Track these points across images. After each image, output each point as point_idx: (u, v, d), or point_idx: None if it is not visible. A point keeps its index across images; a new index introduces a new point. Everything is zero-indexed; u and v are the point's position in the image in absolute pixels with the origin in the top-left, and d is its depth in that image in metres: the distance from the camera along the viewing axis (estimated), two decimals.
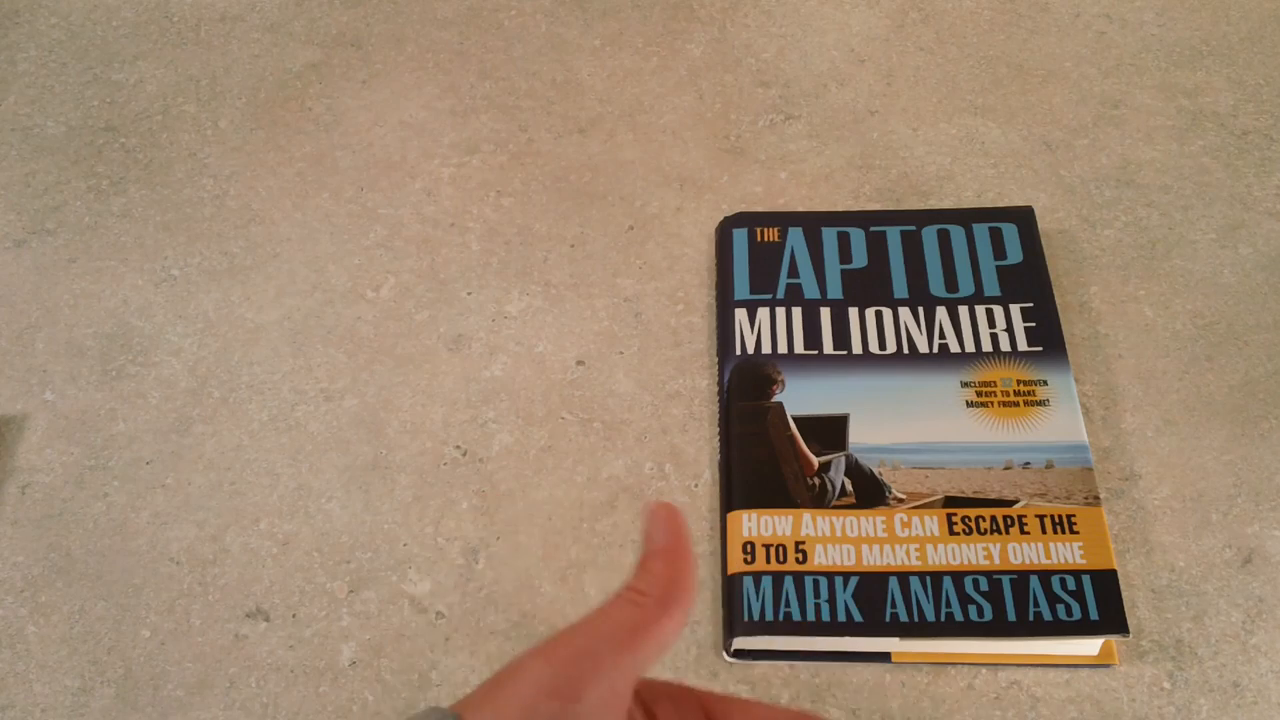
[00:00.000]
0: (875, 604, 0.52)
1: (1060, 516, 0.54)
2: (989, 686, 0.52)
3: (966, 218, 0.66)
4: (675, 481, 0.59)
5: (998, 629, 0.51)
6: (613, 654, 0.32)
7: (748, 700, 0.36)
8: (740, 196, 0.70)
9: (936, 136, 0.73)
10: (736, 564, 0.54)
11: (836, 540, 0.54)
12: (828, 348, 0.61)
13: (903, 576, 0.53)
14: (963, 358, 0.60)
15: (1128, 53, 0.77)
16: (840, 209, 0.69)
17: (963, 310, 0.62)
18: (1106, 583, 0.52)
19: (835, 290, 0.63)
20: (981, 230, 0.65)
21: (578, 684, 0.31)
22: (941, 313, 0.62)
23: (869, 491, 0.56)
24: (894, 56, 0.78)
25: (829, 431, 0.58)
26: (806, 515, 0.55)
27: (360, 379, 0.64)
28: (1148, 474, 0.58)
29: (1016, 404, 0.58)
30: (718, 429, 0.60)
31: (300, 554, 0.58)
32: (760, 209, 0.69)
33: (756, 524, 0.55)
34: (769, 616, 0.52)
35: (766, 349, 0.61)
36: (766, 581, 0.53)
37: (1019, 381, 0.59)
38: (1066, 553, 0.53)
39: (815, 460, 0.57)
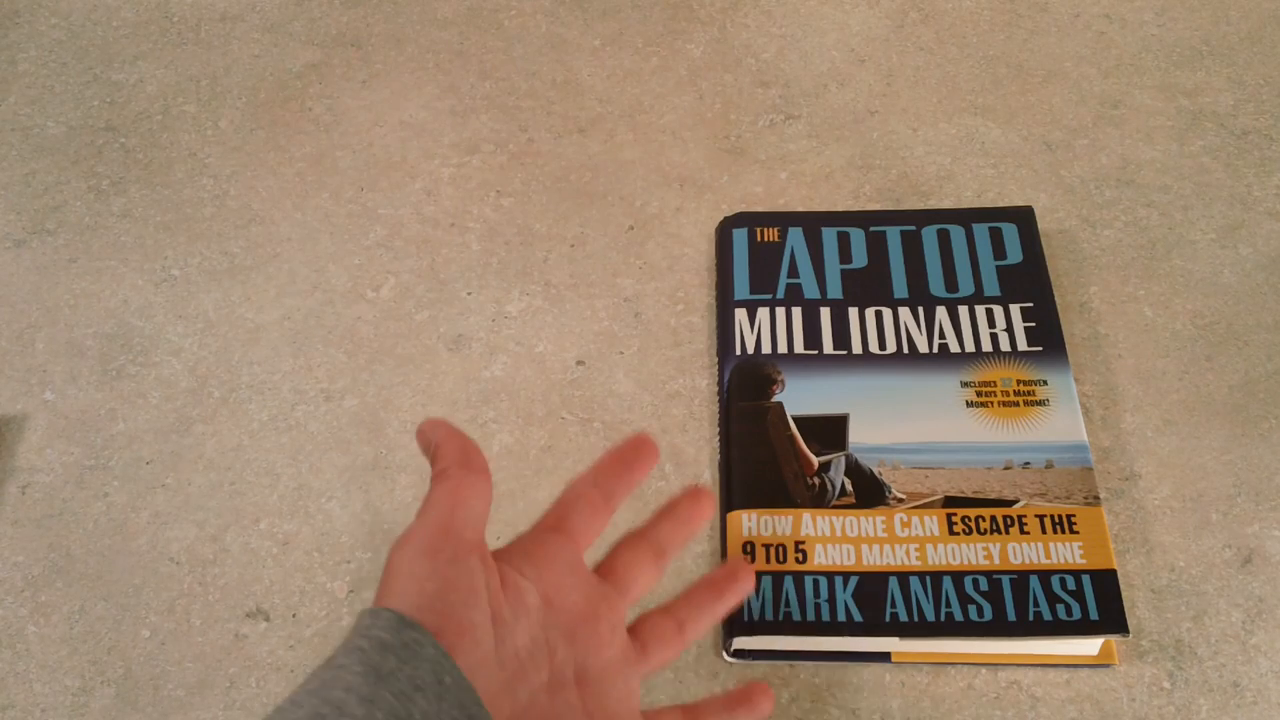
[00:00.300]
0: (875, 604, 0.52)
1: (1060, 516, 0.54)
2: (989, 686, 0.52)
3: (966, 218, 0.66)
4: (675, 481, 0.59)
5: (998, 629, 0.51)
6: (448, 515, 0.41)
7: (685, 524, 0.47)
8: (740, 196, 0.70)
9: (936, 136, 0.73)
10: None
11: (836, 540, 0.54)
12: (828, 348, 0.61)
13: (903, 576, 0.53)
14: (963, 358, 0.60)
15: (1128, 53, 0.77)
16: (840, 209, 0.69)
17: (963, 310, 0.62)
18: (1106, 582, 0.52)
19: (835, 290, 0.63)
20: (981, 230, 0.65)
21: (437, 549, 0.40)
22: (941, 313, 0.62)
23: (869, 491, 0.56)
24: (894, 56, 0.78)
25: (829, 431, 0.58)
26: (806, 515, 0.55)
27: (360, 379, 0.64)
28: (1148, 474, 0.58)
29: (1016, 404, 0.58)
30: (718, 429, 0.60)
31: (300, 554, 0.58)
32: (760, 209, 0.69)
33: (756, 524, 0.55)
34: (769, 616, 0.52)
35: (766, 349, 0.61)
36: (766, 581, 0.53)
37: (1019, 381, 0.59)
38: (1066, 553, 0.53)
39: (815, 460, 0.57)
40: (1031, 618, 0.51)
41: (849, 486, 0.56)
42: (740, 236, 0.66)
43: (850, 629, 0.52)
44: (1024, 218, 0.66)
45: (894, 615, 0.52)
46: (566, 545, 0.44)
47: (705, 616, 0.46)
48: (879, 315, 0.62)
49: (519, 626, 0.40)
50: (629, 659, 0.43)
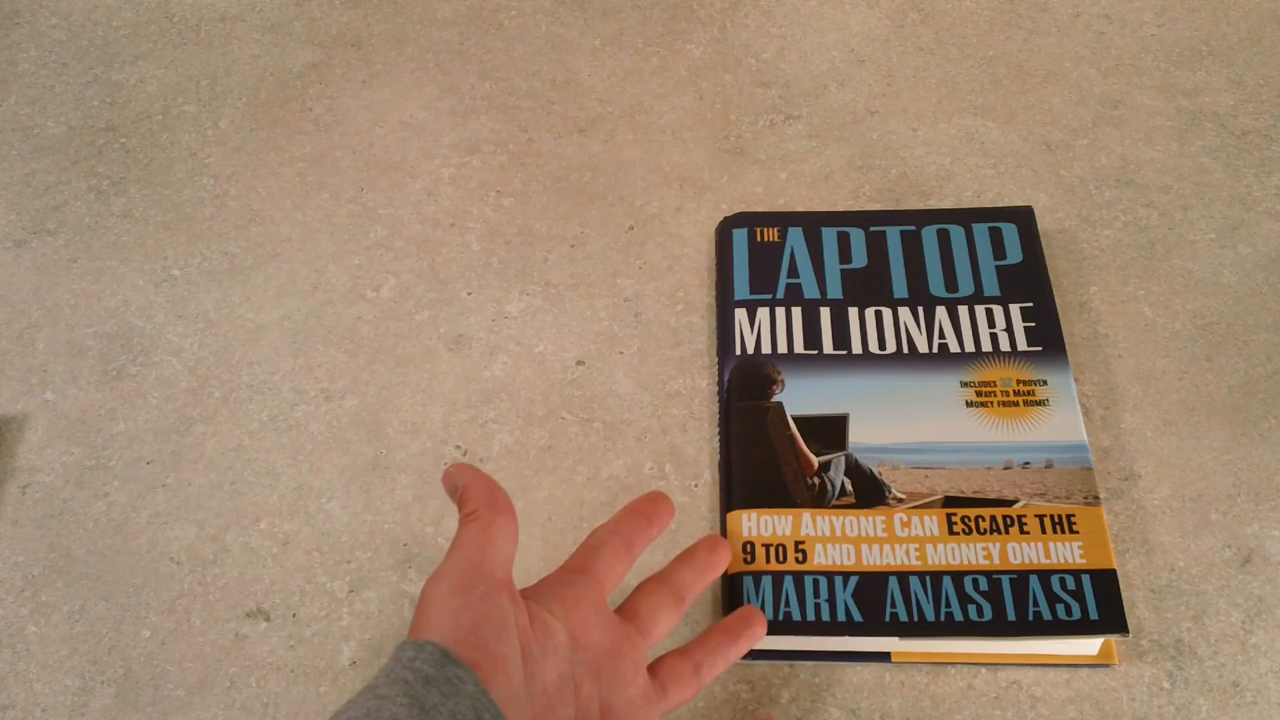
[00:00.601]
0: (875, 604, 0.52)
1: (1060, 516, 0.54)
2: (989, 686, 0.52)
3: (966, 218, 0.66)
4: (675, 481, 0.59)
5: (997, 629, 0.51)
6: (479, 554, 0.42)
7: (694, 558, 0.50)
8: (740, 196, 0.70)
9: (936, 136, 0.73)
10: (736, 564, 0.54)
11: (836, 540, 0.54)
12: (828, 348, 0.61)
13: (902, 576, 0.53)
14: (962, 357, 0.60)
15: (1128, 53, 0.77)
16: (840, 209, 0.69)
17: (962, 310, 0.62)
18: (1106, 582, 0.52)
19: (835, 290, 0.63)
20: (981, 230, 0.65)
21: (470, 586, 0.41)
22: (941, 313, 0.62)
23: (869, 491, 0.56)
24: (894, 56, 0.78)
25: (829, 431, 0.58)
26: (806, 515, 0.55)
27: (360, 379, 0.64)
28: (1147, 474, 0.58)
29: (1016, 404, 0.58)
30: (718, 429, 0.60)
31: (300, 554, 0.58)
32: (760, 209, 0.69)
33: (756, 524, 0.55)
34: (769, 616, 0.52)
35: (766, 349, 0.61)
36: (766, 581, 0.53)
37: (1019, 381, 0.59)
38: (1066, 552, 0.53)
39: (815, 460, 0.57)
40: (1031, 618, 0.51)
41: (849, 486, 0.56)
42: (740, 236, 0.66)
43: (850, 629, 0.52)
44: (1024, 218, 0.66)
45: (894, 615, 0.52)
46: (591, 586, 0.46)
47: (720, 659, 0.49)
48: (879, 315, 0.62)
49: (547, 663, 0.42)
50: (650, 698, 0.45)
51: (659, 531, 0.50)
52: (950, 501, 0.55)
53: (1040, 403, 0.58)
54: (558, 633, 0.43)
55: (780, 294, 0.63)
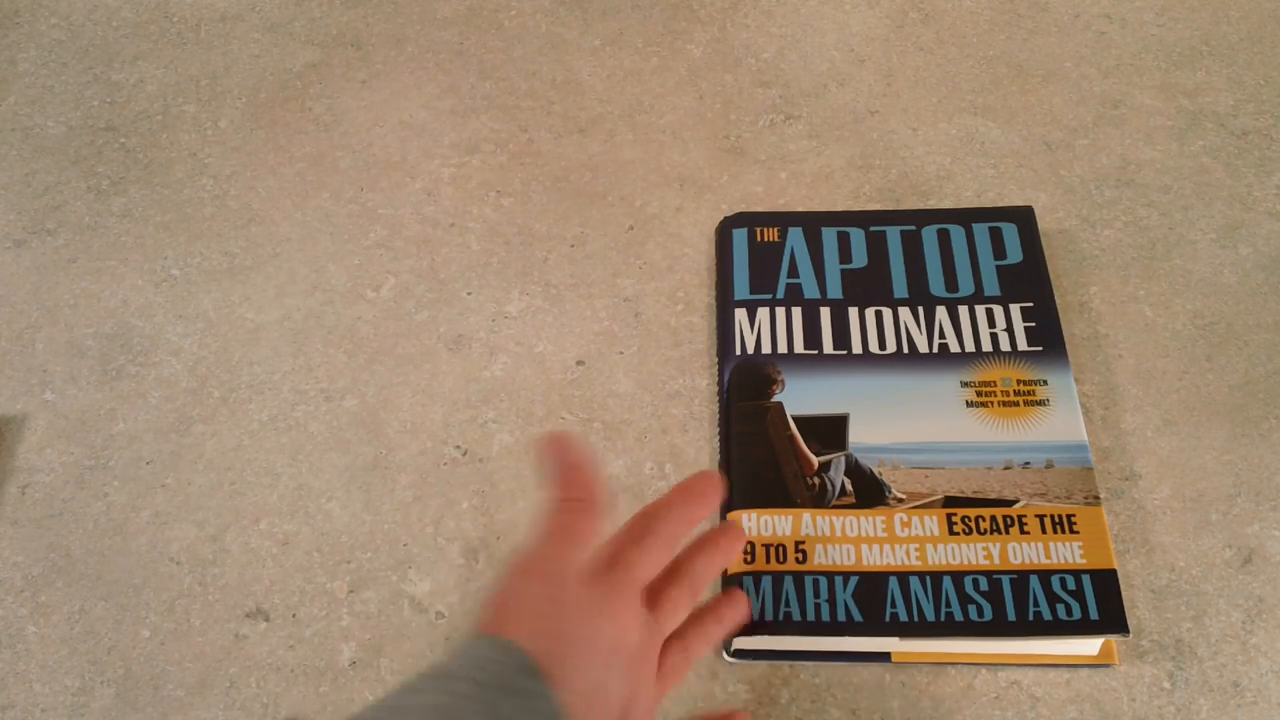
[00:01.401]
0: (875, 604, 0.52)
1: (1060, 516, 0.54)
2: (989, 686, 0.52)
3: (966, 218, 0.66)
4: (675, 481, 0.59)
5: (998, 629, 0.51)
6: (572, 551, 0.41)
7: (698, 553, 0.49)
8: (740, 196, 0.70)
9: (936, 136, 0.73)
10: (736, 564, 0.54)
11: (836, 540, 0.54)
12: (828, 348, 0.61)
13: (903, 576, 0.53)
14: (963, 357, 0.60)
15: (1128, 53, 0.77)
16: (840, 209, 0.69)
17: (963, 310, 0.62)
18: (1106, 582, 0.52)
19: (835, 290, 0.63)
20: (981, 230, 0.65)
21: (561, 588, 0.40)
22: (941, 313, 0.62)
23: (869, 491, 0.56)
24: (894, 56, 0.78)
25: (829, 431, 0.58)
26: (806, 515, 0.55)
27: (360, 379, 0.64)
28: (1148, 474, 0.58)
29: (1016, 404, 0.58)
30: (718, 429, 0.60)
31: (300, 554, 0.58)
32: (760, 209, 0.69)
33: (756, 524, 0.55)
34: (769, 616, 0.52)
35: (766, 349, 0.61)
36: (766, 581, 0.53)
37: (1019, 381, 0.59)
38: (1066, 552, 0.53)
39: (815, 460, 0.57)
40: (1031, 618, 0.51)
41: (849, 486, 0.56)
42: (740, 236, 0.66)
43: (850, 629, 0.52)
44: (1024, 218, 0.66)
45: (894, 615, 0.52)
46: (635, 592, 0.44)
47: (705, 641, 0.48)
48: (879, 315, 0.62)
49: (594, 670, 0.41)
50: (654, 690, 0.45)
51: (706, 515, 0.48)
52: (950, 501, 0.55)
53: (1040, 403, 0.58)
54: (602, 638, 0.42)
55: (780, 294, 0.63)
